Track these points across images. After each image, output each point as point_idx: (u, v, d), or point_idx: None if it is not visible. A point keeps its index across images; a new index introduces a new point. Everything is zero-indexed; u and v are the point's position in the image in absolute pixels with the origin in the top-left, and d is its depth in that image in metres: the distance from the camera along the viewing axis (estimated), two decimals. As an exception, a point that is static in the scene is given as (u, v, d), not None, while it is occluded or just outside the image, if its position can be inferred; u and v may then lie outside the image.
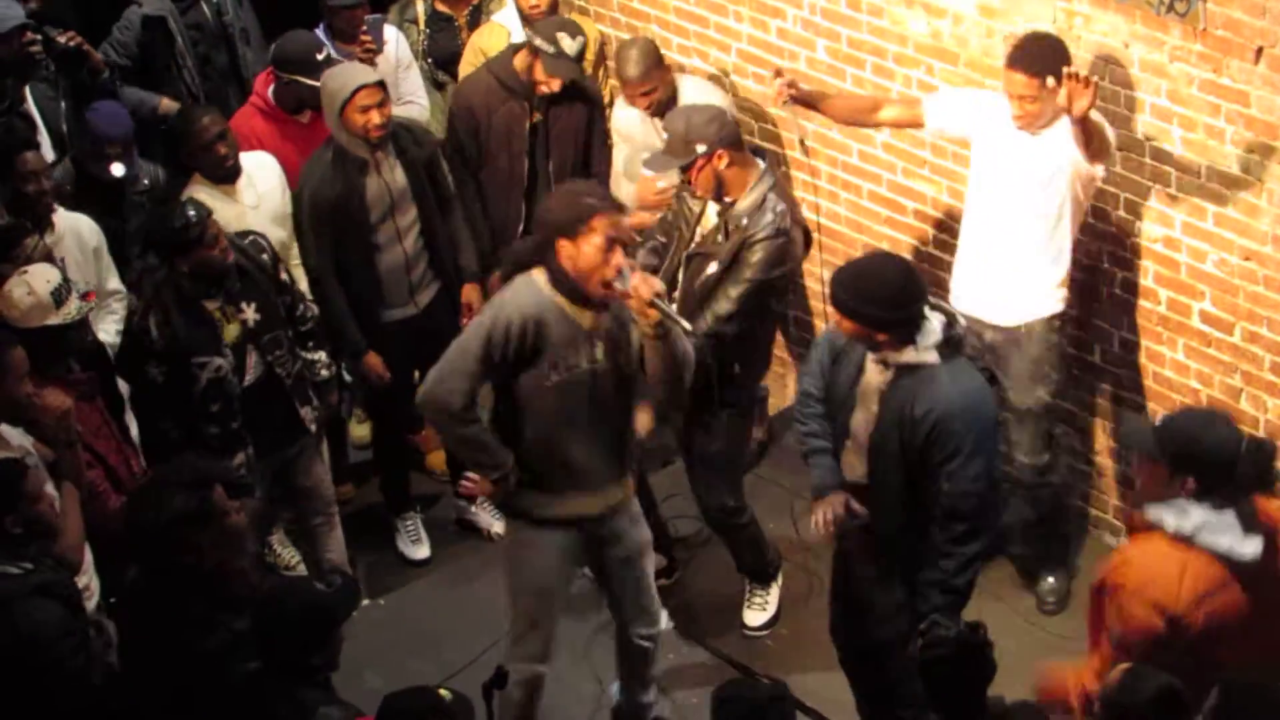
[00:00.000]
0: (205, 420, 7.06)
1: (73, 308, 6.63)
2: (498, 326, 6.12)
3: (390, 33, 8.50)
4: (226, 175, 7.59)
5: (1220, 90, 6.75)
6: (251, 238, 7.21)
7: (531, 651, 6.66)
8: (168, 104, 8.29)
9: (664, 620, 6.98)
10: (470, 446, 6.39)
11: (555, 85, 7.83)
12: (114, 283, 7.53)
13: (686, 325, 6.14)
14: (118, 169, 7.59)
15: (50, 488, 6.11)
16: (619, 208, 6.14)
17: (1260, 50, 6.56)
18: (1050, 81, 6.67)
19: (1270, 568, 5.33)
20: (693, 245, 7.11)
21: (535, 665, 6.69)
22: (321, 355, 7.47)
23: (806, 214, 8.41)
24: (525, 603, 6.62)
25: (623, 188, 8.17)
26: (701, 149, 6.87)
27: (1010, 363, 7.26)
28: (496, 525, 8.25)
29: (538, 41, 7.80)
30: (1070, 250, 7.14)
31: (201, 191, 7.51)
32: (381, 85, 7.45)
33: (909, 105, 7.42)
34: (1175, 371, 7.40)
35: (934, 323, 5.92)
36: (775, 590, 7.73)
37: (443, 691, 5.45)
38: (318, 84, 7.65)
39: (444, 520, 8.40)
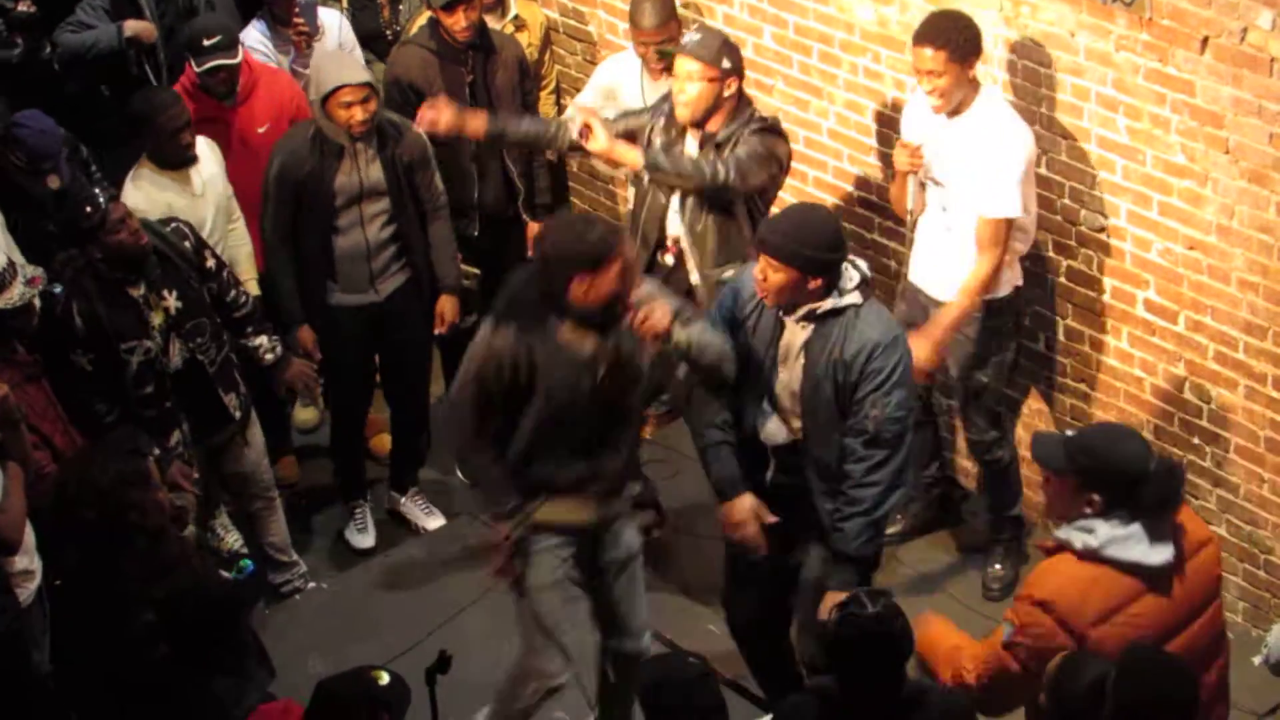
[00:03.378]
0: (139, 404, 7.06)
1: (15, 293, 6.58)
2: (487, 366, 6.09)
3: (333, 17, 8.50)
4: (184, 162, 7.54)
5: (1166, 79, 6.78)
6: (174, 225, 7.18)
7: (542, 666, 6.49)
8: (136, 25, 8.22)
9: (647, 639, 6.71)
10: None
11: (463, 23, 7.81)
12: (17, 257, 7.43)
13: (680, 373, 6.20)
14: (54, 181, 7.53)
15: None
16: (629, 243, 6.12)
17: (1206, 40, 6.59)
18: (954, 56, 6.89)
19: (1183, 571, 5.32)
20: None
21: (549, 680, 6.51)
22: (263, 340, 7.44)
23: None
24: (526, 606, 6.47)
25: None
26: (727, 65, 7.01)
27: (952, 341, 7.32)
28: (426, 521, 8.29)
29: None
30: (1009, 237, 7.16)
31: (148, 177, 7.47)
32: (369, 84, 7.43)
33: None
34: (1119, 360, 7.43)
35: (850, 269, 6.03)
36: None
37: (378, 674, 5.43)
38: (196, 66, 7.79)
39: (385, 509, 8.40)
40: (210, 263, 7.23)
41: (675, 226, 7.31)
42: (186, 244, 7.14)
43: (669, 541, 7.94)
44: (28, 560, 6.31)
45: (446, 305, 7.91)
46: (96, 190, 6.83)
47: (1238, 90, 6.57)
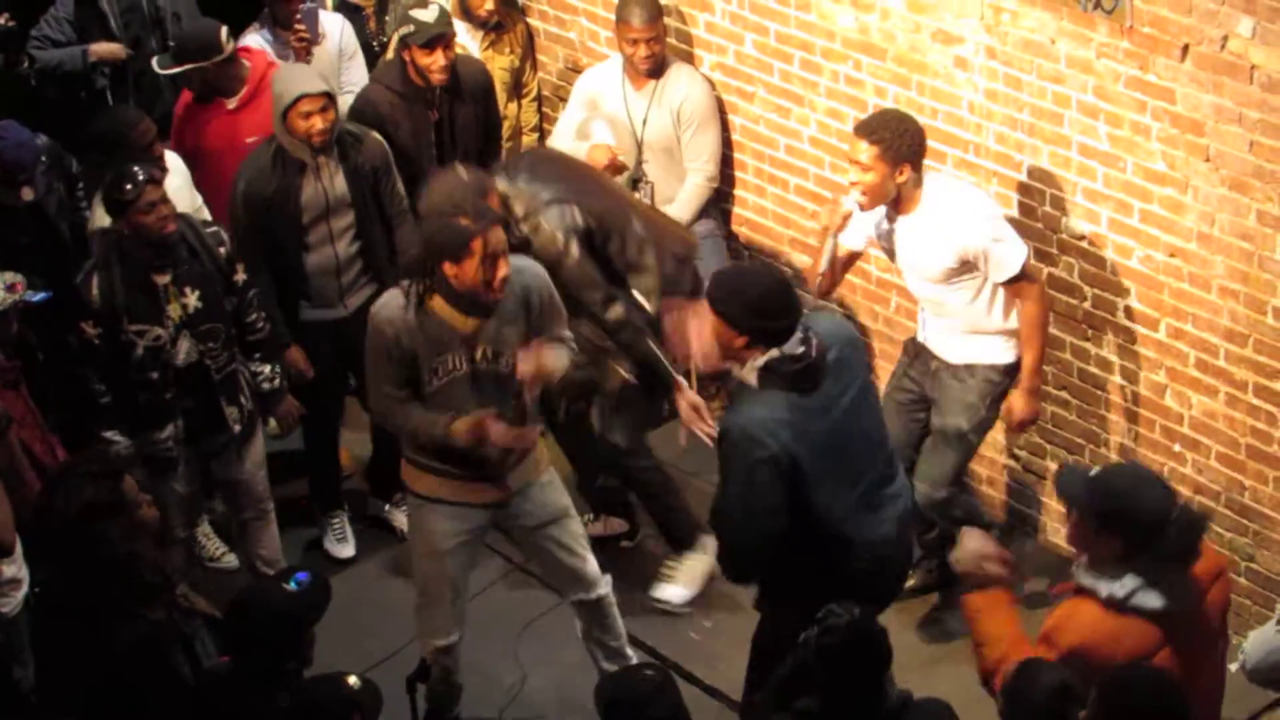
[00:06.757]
0: (138, 388, 7.04)
1: None
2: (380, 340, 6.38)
3: (335, 22, 8.51)
4: None
5: (1146, 87, 6.78)
6: (214, 229, 7.20)
7: (430, 626, 6.78)
8: (102, 49, 8.23)
9: (604, 584, 6.88)
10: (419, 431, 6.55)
11: (441, 63, 7.77)
12: None
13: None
14: (28, 193, 7.52)
15: None
16: (494, 218, 6.22)
17: (1186, 47, 6.59)
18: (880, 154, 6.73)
19: (1196, 621, 5.33)
20: None
21: (436, 639, 6.76)
22: (266, 369, 7.42)
23: (735, 209, 8.47)
24: (420, 571, 6.79)
25: (565, 146, 8.17)
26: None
27: (946, 389, 7.18)
28: None
29: (402, 33, 7.85)
30: (1008, 309, 7.02)
31: None
32: (326, 94, 7.42)
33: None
34: (1100, 368, 7.43)
35: (784, 346, 5.79)
36: (691, 563, 7.67)
37: (350, 679, 5.43)
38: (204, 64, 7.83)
39: (365, 515, 8.38)
40: (239, 278, 7.23)
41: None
42: (222, 250, 7.15)
43: (648, 549, 7.93)
44: (15, 569, 6.30)
45: None
46: (137, 168, 6.83)
47: (1218, 98, 6.58)
